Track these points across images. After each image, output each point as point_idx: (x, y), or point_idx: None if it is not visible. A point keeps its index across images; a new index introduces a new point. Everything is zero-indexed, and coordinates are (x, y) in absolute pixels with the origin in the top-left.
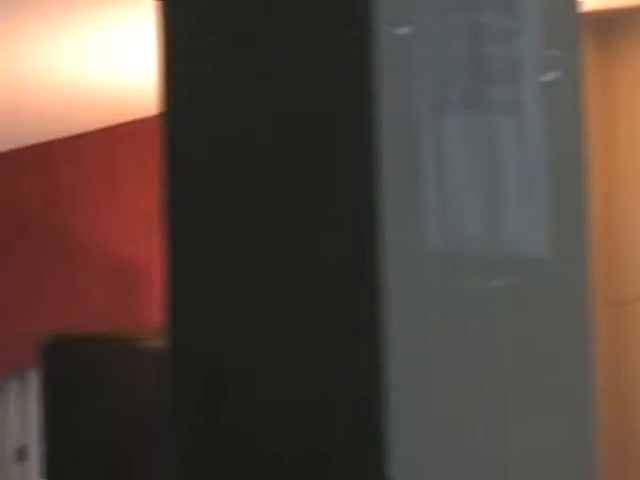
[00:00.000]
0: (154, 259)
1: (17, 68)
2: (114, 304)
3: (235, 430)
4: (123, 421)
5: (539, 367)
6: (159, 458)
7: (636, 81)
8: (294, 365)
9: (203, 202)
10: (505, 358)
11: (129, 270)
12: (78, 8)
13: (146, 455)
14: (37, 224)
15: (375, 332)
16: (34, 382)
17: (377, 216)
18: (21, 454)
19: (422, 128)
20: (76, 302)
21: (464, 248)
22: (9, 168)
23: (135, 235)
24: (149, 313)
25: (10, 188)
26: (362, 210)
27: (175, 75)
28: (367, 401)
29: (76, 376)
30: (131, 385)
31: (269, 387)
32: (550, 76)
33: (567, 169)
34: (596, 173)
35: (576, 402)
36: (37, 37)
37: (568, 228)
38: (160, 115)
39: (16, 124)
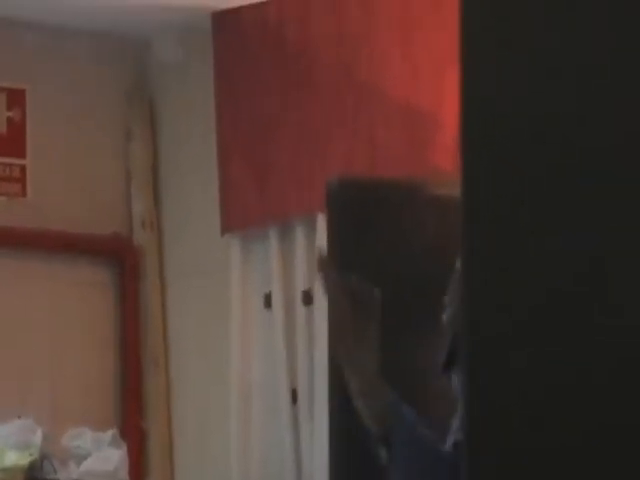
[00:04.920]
0: (446, 106)
1: None
2: (404, 150)
3: None
4: (405, 267)
5: None
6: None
7: None
8: None
9: None
10: None
11: (420, 117)
12: None
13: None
14: (327, 67)
15: None
16: (322, 225)
17: None
18: (307, 298)
19: None
20: (366, 147)
21: None
22: (299, 10)
23: (427, 81)
24: (441, 158)
25: (299, 30)
26: None
27: None
28: None
29: (362, 219)
30: (417, 233)
31: None
32: None
33: None
34: None
35: None
36: None
37: None
38: None
39: None
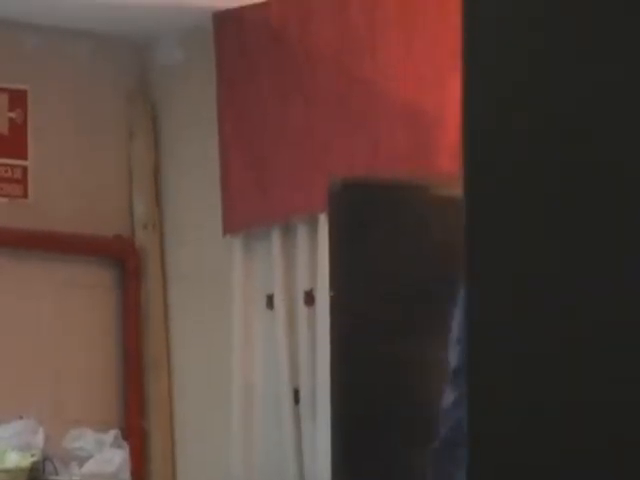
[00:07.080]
0: (449, 107)
1: None
2: (407, 150)
3: None
4: (409, 268)
5: None
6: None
7: None
8: None
9: None
10: None
11: (423, 117)
12: None
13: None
14: (329, 67)
15: None
16: (324, 225)
17: None
18: (309, 299)
19: None
20: (368, 148)
21: None
22: (301, 10)
23: (430, 82)
24: (443, 160)
25: (301, 30)
26: None
27: None
28: None
29: (364, 220)
30: (421, 232)
31: None
32: None
33: None
34: None
35: None
36: None
37: None
38: None
39: None
